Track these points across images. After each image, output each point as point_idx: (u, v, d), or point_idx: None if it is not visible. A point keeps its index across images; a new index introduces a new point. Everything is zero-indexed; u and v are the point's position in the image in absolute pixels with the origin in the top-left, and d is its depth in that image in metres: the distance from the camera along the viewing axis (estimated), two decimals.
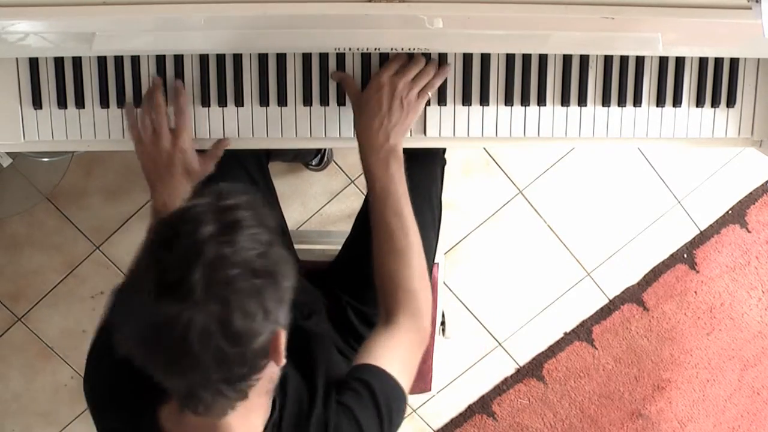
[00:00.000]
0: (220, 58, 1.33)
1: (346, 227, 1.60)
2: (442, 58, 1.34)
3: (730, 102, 1.38)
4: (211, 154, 1.34)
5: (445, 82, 1.35)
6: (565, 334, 2.40)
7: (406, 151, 1.37)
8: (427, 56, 1.34)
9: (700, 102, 1.38)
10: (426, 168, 1.52)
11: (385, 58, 1.33)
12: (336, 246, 1.59)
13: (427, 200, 1.50)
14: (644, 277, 2.37)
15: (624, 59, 1.35)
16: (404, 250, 1.26)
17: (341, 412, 1.10)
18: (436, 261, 1.61)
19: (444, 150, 1.59)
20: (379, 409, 1.12)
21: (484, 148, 2.22)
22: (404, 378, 1.17)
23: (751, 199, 2.35)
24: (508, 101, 1.36)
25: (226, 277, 0.89)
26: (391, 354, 1.18)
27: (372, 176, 1.28)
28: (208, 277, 0.88)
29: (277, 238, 0.95)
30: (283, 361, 0.97)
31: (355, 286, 1.46)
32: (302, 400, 1.10)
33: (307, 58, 1.33)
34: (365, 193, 1.62)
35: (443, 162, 1.58)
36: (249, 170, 1.48)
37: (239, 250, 0.90)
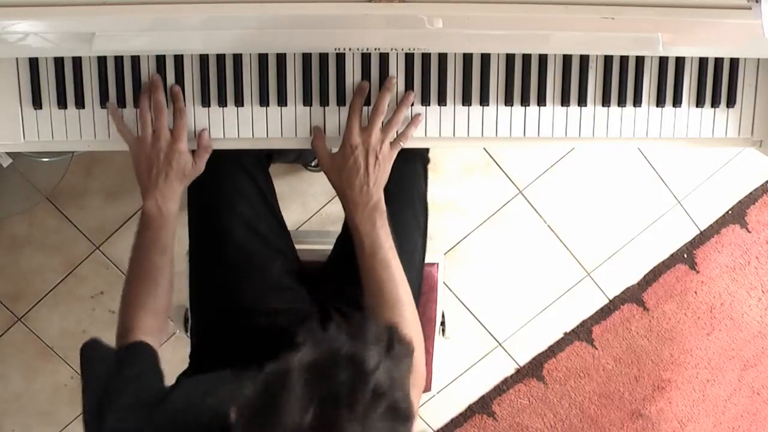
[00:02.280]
0: (220, 58, 1.33)
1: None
2: (442, 58, 1.34)
3: (730, 102, 1.38)
4: (200, 150, 1.34)
5: (446, 82, 1.35)
6: (565, 334, 2.40)
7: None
8: (427, 57, 1.33)
9: (700, 102, 1.38)
10: (407, 168, 1.52)
11: (385, 57, 1.33)
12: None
13: (409, 200, 1.50)
14: (644, 277, 2.37)
15: (624, 59, 1.35)
16: (395, 302, 1.29)
17: None
18: (436, 261, 1.60)
19: (427, 149, 1.59)
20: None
21: (484, 148, 2.22)
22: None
23: (751, 199, 2.35)
24: (508, 101, 1.36)
25: None
26: None
27: (359, 234, 1.31)
28: None
29: None
30: None
31: (346, 287, 1.46)
32: None
33: (307, 58, 1.33)
34: None
35: (425, 161, 1.57)
36: (250, 172, 1.48)
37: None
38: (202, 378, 1.22)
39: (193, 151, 1.34)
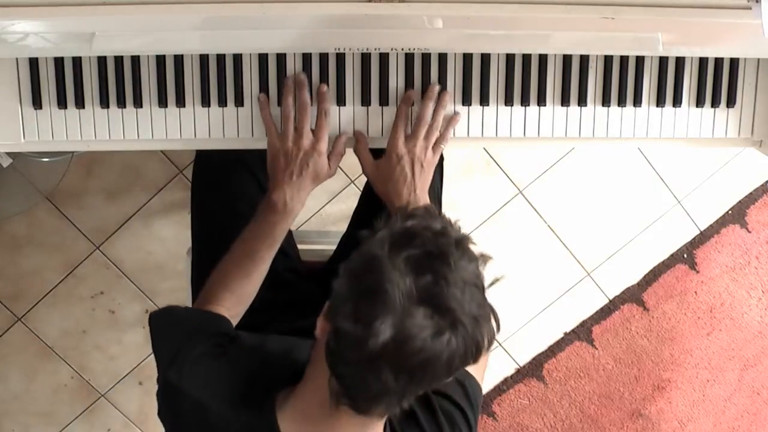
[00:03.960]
0: (220, 58, 1.33)
1: (346, 227, 1.60)
2: (442, 58, 1.34)
3: (730, 102, 1.38)
4: (335, 153, 1.35)
5: (446, 82, 1.35)
6: (565, 334, 2.40)
7: None
8: (427, 57, 1.34)
9: (700, 102, 1.38)
10: None
11: (385, 57, 1.33)
12: (335, 247, 1.59)
13: None
14: (644, 277, 2.37)
15: (624, 59, 1.35)
16: None
17: (440, 399, 1.15)
18: None
19: None
20: (471, 403, 1.19)
21: (484, 148, 2.22)
22: (479, 377, 1.25)
23: (751, 199, 2.35)
24: (508, 101, 1.36)
25: (479, 301, 0.95)
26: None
27: None
28: (468, 300, 0.93)
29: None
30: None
31: None
32: None
33: (307, 58, 1.33)
34: (361, 192, 1.63)
35: (440, 159, 1.58)
36: (254, 172, 1.48)
37: (482, 282, 0.99)
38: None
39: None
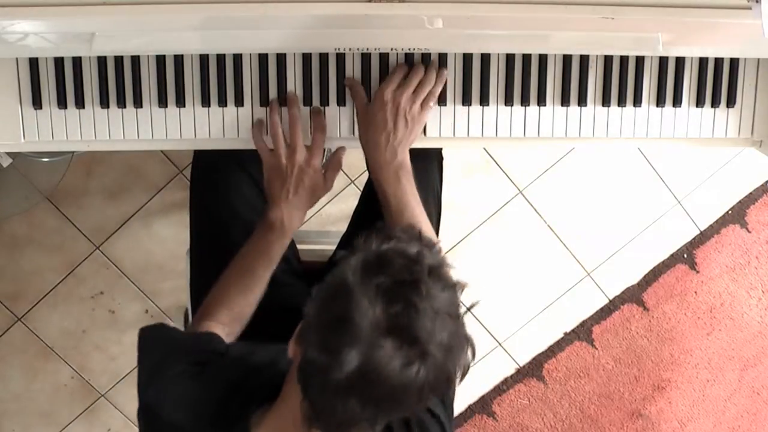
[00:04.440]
0: (220, 58, 1.33)
1: (346, 227, 1.60)
2: (442, 58, 1.34)
3: (730, 102, 1.38)
4: (332, 168, 1.34)
5: (445, 82, 1.35)
6: (565, 334, 2.40)
7: None
8: (427, 57, 1.34)
9: (700, 102, 1.38)
10: (423, 167, 1.52)
11: (385, 57, 1.33)
12: (335, 247, 1.59)
13: (424, 199, 1.50)
14: (644, 277, 2.37)
15: (624, 59, 1.35)
16: None
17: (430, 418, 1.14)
18: None
19: (441, 147, 1.59)
20: (450, 414, 1.18)
21: (484, 148, 2.22)
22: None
23: (751, 199, 2.35)
24: (508, 101, 1.36)
25: (451, 331, 0.92)
26: None
27: (385, 192, 1.30)
28: (439, 330, 0.90)
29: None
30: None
31: None
32: None
33: (307, 58, 1.33)
34: (361, 192, 1.63)
35: (440, 159, 1.58)
36: (252, 172, 1.48)
37: (457, 312, 0.94)
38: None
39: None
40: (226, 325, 1.29)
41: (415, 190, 1.31)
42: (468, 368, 0.96)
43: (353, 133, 1.36)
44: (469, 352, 0.95)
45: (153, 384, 1.13)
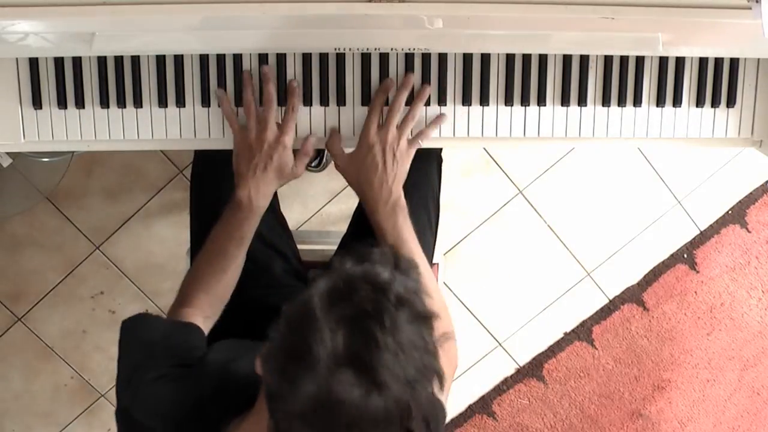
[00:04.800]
0: (220, 58, 1.33)
1: (346, 227, 1.60)
2: (442, 58, 1.34)
3: (730, 102, 1.38)
4: (303, 153, 1.34)
5: (445, 82, 1.35)
6: (565, 334, 2.40)
7: None
8: (427, 57, 1.34)
9: (700, 102, 1.38)
10: (422, 167, 1.52)
11: (385, 57, 1.33)
12: (336, 246, 1.59)
13: (423, 200, 1.51)
14: (644, 277, 2.37)
15: (624, 59, 1.35)
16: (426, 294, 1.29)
17: None
18: (436, 261, 1.61)
19: (440, 149, 1.59)
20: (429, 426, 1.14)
21: (484, 148, 2.22)
22: (445, 398, 1.19)
23: (751, 199, 2.35)
24: (508, 101, 1.36)
25: (415, 365, 0.89)
26: None
27: (383, 231, 1.31)
28: (401, 364, 0.87)
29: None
30: None
31: None
32: None
33: (307, 58, 1.33)
34: None
35: (439, 160, 1.58)
36: None
37: (425, 341, 0.91)
38: (229, 344, 1.23)
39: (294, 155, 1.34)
40: (205, 308, 1.29)
41: (410, 225, 1.31)
42: (434, 401, 0.93)
43: (353, 134, 1.36)
44: (436, 386, 0.92)
45: (131, 387, 1.13)
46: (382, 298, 0.89)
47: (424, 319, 0.92)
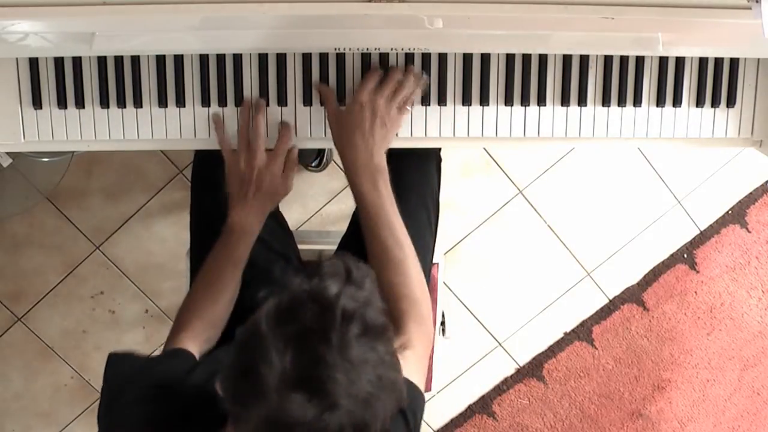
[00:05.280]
0: (220, 58, 1.33)
1: (346, 227, 1.60)
2: (442, 58, 1.34)
3: (730, 102, 1.38)
4: (288, 168, 1.34)
5: (446, 82, 1.35)
6: (565, 334, 2.40)
7: (403, 150, 1.37)
8: (427, 57, 1.34)
9: (700, 102, 1.38)
10: (421, 167, 1.52)
11: (385, 57, 1.33)
12: (336, 246, 1.59)
13: (422, 199, 1.50)
14: (644, 277, 2.37)
15: (624, 59, 1.35)
16: (401, 262, 1.28)
17: None
18: (436, 261, 1.61)
19: (440, 148, 1.59)
20: (406, 416, 1.15)
21: (484, 148, 2.22)
22: (421, 381, 1.21)
23: (751, 199, 2.35)
24: (508, 101, 1.36)
25: (367, 382, 0.88)
26: (406, 361, 1.19)
27: (361, 195, 1.30)
28: (352, 381, 0.87)
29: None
30: None
31: None
32: None
33: (307, 58, 1.33)
34: None
35: (438, 159, 1.58)
36: None
37: (378, 355, 0.90)
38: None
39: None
40: (200, 334, 1.29)
41: (391, 194, 1.30)
42: (392, 414, 0.92)
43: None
44: (393, 400, 0.91)
45: (110, 413, 1.13)
46: (327, 315, 0.88)
47: (377, 330, 0.90)
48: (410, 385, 1.17)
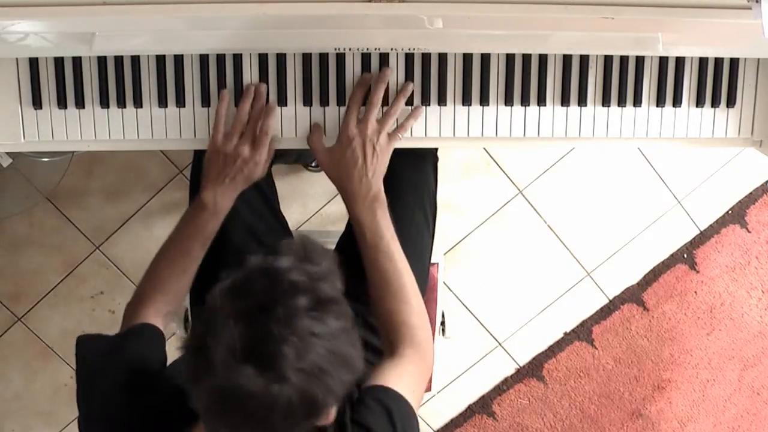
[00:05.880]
0: (220, 58, 1.33)
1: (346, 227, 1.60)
2: (442, 58, 1.34)
3: (730, 102, 1.38)
4: (267, 158, 1.35)
5: (446, 82, 1.35)
6: (565, 334, 2.40)
7: (402, 150, 1.37)
8: (427, 57, 1.34)
9: (700, 102, 1.38)
10: (418, 167, 1.52)
11: (385, 57, 1.33)
12: (335, 246, 1.59)
13: (419, 199, 1.50)
14: (644, 277, 2.37)
15: (624, 59, 1.35)
16: (400, 290, 1.30)
17: (356, 430, 1.12)
18: (436, 261, 1.61)
19: (436, 149, 1.59)
20: (395, 426, 1.14)
21: (484, 148, 2.22)
22: (413, 400, 1.21)
23: (751, 199, 2.35)
24: (508, 101, 1.36)
25: (316, 355, 0.90)
26: (401, 380, 1.21)
27: (361, 225, 1.31)
28: (300, 354, 0.89)
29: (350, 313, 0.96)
30: (329, 422, 0.99)
31: (349, 284, 1.47)
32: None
33: (307, 58, 1.33)
34: None
35: (435, 159, 1.58)
36: None
37: (328, 328, 0.91)
38: None
39: None
40: (162, 308, 1.31)
41: (390, 222, 1.32)
42: (345, 387, 0.94)
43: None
44: (347, 374, 0.93)
45: (87, 398, 1.15)
46: (275, 288, 0.90)
47: (328, 304, 0.92)
48: (403, 400, 1.17)
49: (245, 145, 1.31)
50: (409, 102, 1.35)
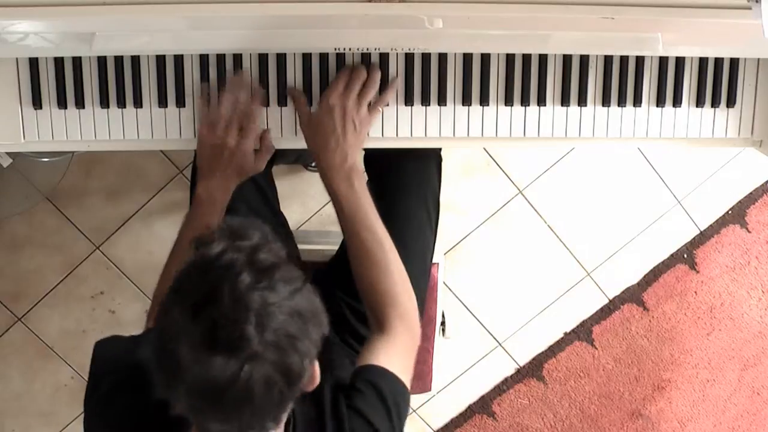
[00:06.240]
0: (220, 58, 1.33)
1: None
2: (442, 58, 1.34)
3: (730, 102, 1.38)
4: (264, 149, 1.35)
5: (446, 82, 1.35)
6: (565, 334, 2.40)
7: (403, 150, 1.37)
8: (427, 57, 1.34)
9: (700, 102, 1.38)
10: (421, 167, 1.52)
11: (385, 57, 1.33)
12: (336, 246, 1.59)
13: (422, 199, 1.50)
14: (644, 277, 2.37)
15: (624, 59, 1.35)
16: (382, 261, 1.29)
17: (353, 417, 1.12)
18: (436, 261, 1.60)
19: (440, 148, 1.59)
20: (389, 409, 1.15)
21: (484, 148, 2.22)
22: (405, 377, 1.20)
23: (751, 199, 2.35)
24: (508, 101, 1.36)
25: (278, 323, 0.90)
26: (391, 356, 1.21)
27: (338, 197, 1.30)
28: (262, 327, 0.89)
29: (298, 270, 0.97)
30: (317, 383, 1.00)
31: (351, 283, 1.47)
32: (310, 410, 1.12)
33: (307, 58, 1.33)
34: None
35: (439, 159, 1.58)
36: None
37: (281, 294, 0.91)
38: None
39: (255, 150, 1.35)
40: None
41: (368, 193, 1.31)
42: (314, 353, 0.95)
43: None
44: (314, 327, 0.94)
45: (93, 398, 1.16)
46: (214, 275, 0.90)
47: (270, 270, 0.92)
48: (393, 377, 1.17)
49: (231, 134, 1.31)
50: (409, 102, 1.35)
